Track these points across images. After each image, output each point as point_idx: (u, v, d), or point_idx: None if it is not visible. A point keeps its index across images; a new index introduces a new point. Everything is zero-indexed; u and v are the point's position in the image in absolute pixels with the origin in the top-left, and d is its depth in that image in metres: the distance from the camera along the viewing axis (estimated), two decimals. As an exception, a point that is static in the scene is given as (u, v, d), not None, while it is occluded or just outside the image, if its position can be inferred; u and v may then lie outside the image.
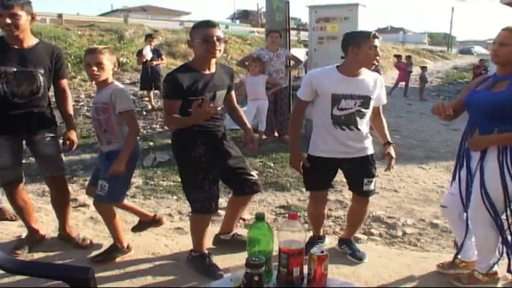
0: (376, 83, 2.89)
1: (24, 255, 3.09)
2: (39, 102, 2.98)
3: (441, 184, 5.07)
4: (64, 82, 3.17)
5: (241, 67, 7.51)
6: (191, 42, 2.74)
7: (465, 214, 2.71)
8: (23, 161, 3.26)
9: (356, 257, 3.09)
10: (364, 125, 2.88)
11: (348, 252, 3.13)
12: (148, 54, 8.42)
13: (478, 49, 42.69)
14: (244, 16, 44.80)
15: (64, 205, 3.29)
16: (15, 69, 2.84)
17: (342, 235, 3.36)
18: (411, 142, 7.34)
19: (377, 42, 2.76)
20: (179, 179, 5.15)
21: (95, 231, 3.49)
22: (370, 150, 2.96)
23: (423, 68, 15.37)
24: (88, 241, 3.27)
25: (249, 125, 3.08)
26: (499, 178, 2.48)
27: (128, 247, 3.10)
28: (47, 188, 3.68)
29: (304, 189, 3.76)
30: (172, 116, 2.69)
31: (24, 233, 3.32)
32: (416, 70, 16.92)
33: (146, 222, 3.34)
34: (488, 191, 2.52)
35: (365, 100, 2.83)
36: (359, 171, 2.95)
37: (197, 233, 2.93)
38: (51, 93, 3.12)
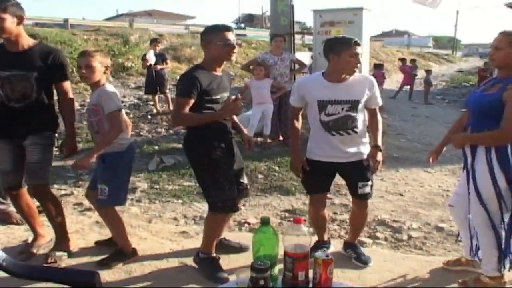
0: (365, 86, 2.86)
1: (31, 259, 3.08)
2: (33, 106, 2.90)
3: (447, 187, 5.05)
4: (65, 85, 3.03)
5: (245, 71, 7.51)
6: (207, 44, 2.77)
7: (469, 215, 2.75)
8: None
9: (362, 261, 3.08)
10: (356, 128, 2.86)
11: (353, 256, 3.12)
12: (151, 58, 8.46)
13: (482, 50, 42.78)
14: (249, 19, 45.03)
15: (52, 217, 3.09)
16: (8, 73, 2.82)
17: (347, 238, 3.36)
18: (416, 145, 7.31)
19: (358, 50, 2.74)
20: (185, 183, 5.13)
21: (100, 235, 3.49)
22: (366, 154, 2.95)
23: (428, 72, 15.31)
24: (53, 261, 3.02)
25: (242, 127, 3.21)
26: (489, 178, 2.52)
27: (133, 251, 3.11)
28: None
29: (309, 193, 3.76)
30: (190, 113, 2.69)
31: (30, 237, 3.32)
32: (421, 74, 16.85)
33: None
34: (480, 192, 2.56)
35: (353, 105, 2.81)
36: (354, 175, 2.96)
37: (212, 234, 2.94)
38: (55, 97, 3.08)
